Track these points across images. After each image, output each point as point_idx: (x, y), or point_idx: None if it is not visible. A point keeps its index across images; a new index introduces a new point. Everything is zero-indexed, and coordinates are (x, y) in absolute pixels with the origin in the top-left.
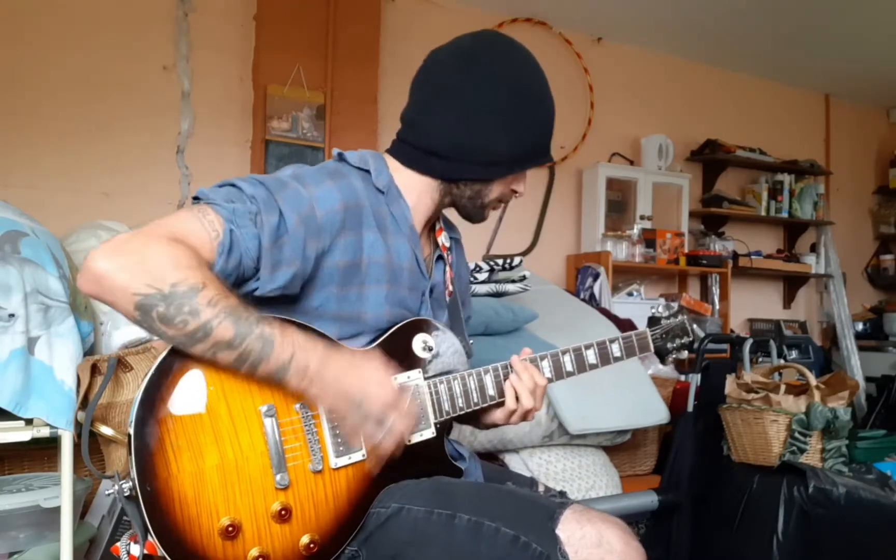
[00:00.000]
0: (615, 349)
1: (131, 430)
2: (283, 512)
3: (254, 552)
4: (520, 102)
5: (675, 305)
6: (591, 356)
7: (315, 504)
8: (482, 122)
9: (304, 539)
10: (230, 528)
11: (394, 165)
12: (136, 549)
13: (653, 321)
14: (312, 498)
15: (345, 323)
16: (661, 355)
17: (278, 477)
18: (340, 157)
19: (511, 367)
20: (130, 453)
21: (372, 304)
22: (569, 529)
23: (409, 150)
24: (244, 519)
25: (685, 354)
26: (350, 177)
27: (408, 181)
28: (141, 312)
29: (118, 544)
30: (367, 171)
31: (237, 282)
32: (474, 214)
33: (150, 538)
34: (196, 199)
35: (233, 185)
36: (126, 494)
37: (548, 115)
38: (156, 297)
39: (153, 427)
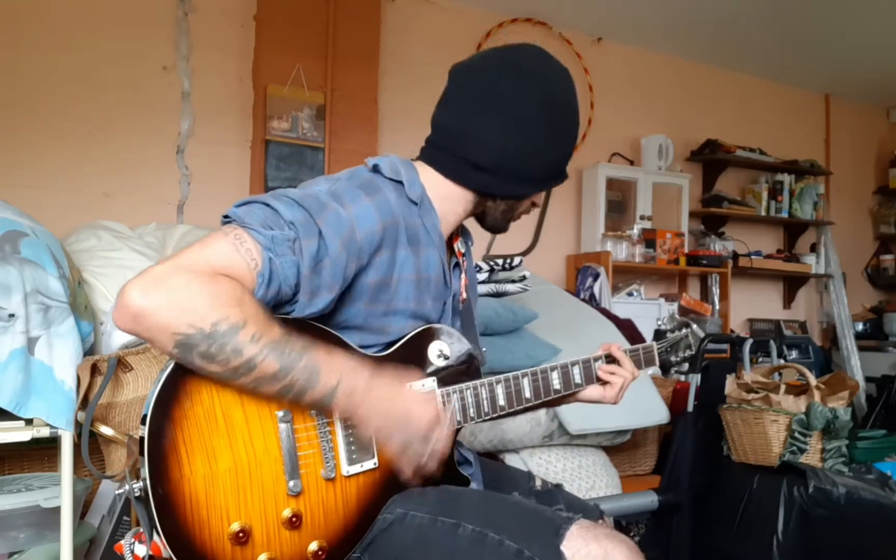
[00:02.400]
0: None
1: (145, 430)
2: (293, 518)
3: (262, 558)
4: (566, 118)
5: (678, 317)
6: (597, 369)
7: (325, 511)
8: (533, 139)
9: (313, 546)
10: (241, 534)
11: (425, 173)
12: (140, 549)
13: (658, 334)
14: (323, 505)
15: (367, 333)
16: (666, 369)
17: (291, 483)
18: (374, 169)
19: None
20: (143, 453)
21: (397, 319)
22: (574, 546)
23: (449, 160)
24: (255, 524)
25: (685, 367)
26: (385, 190)
27: (440, 191)
28: (181, 350)
29: (122, 543)
30: (400, 183)
31: (275, 306)
32: (501, 227)
33: (157, 539)
34: (226, 218)
35: (267, 205)
36: (136, 495)
37: (578, 129)
38: (197, 337)
39: (167, 427)
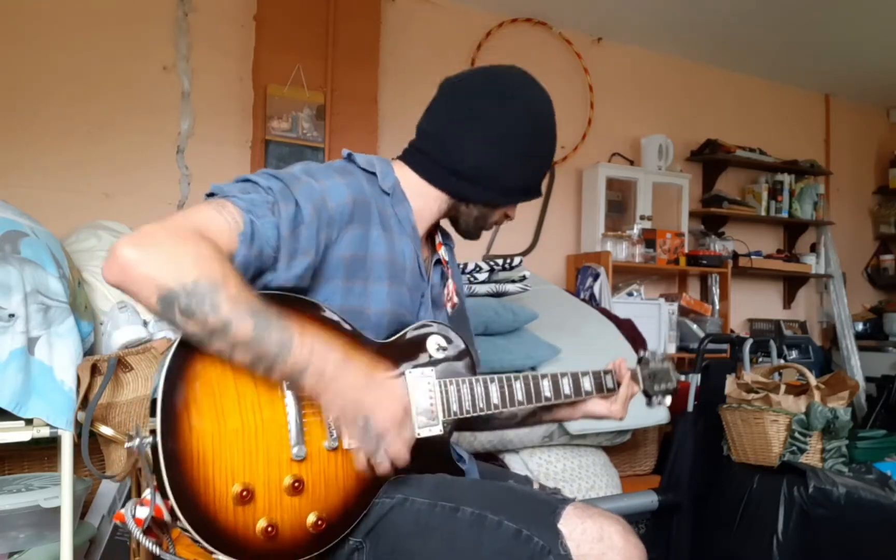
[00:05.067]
0: (608, 381)
1: (161, 384)
2: (296, 484)
3: (262, 522)
4: (542, 137)
5: (659, 353)
6: (586, 383)
7: (326, 481)
8: (509, 154)
9: (312, 517)
10: (244, 493)
11: (402, 172)
12: (141, 512)
13: (642, 361)
14: (324, 475)
15: (347, 316)
16: (647, 396)
17: (295, 449)
18: (349, 158)
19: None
20: (156, 409)
21: (375, 300)
22: (570, 524)
23: (429, 164)
24: (258, 486)
25: (668, 401)
26: (357, 175)
27: (415, 187)
28: (163, 304)
29: (122, 511)
30: (374, 174)
31: (256, 272)
32: (473, 233)
33: (158, 501)
34: (211, 194)
35: (247, 180)
36: (146, 450)
37: (554, 148)
38: (179, 292)
39: (181, 383)
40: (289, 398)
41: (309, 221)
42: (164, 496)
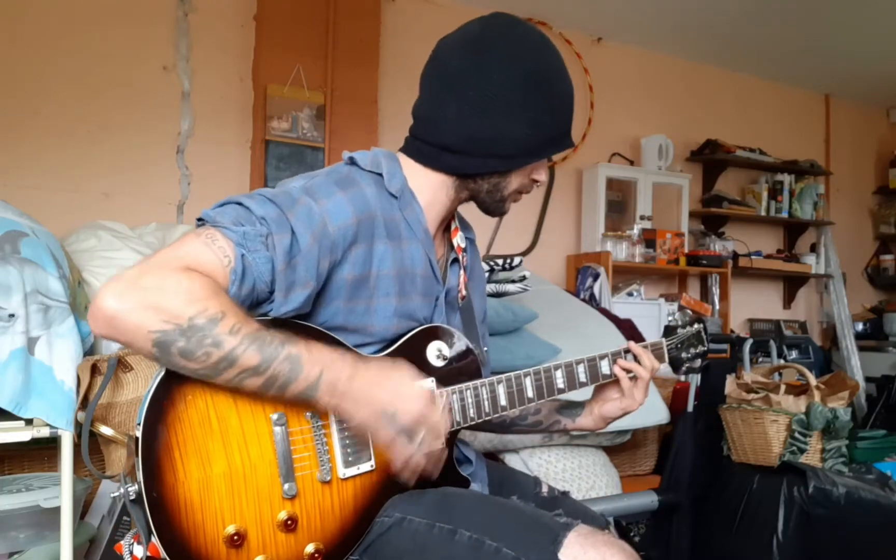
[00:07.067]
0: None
1: (139, 433)
2: (289, 521)
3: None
4: (535, 87)
5: (690, 313)
6: (604, 366)
7: (321, 513)
8: (496, 112)
9: (309, 548)
10: (235, 537)
11: (407, 165)
12: (139, 551)
13: (668, 330)
14: (319, 507)
15: (350, 334)
16: (676, 366)
17: (286, 486)
18: (352, 161)
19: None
20: (137, 457)
21: (380, 317)
22: (571, 554)
23: (422, 147)
24: (250, 527)
25: (698, 364)
26: (361, 184)
27: (422, 181)
28: (160, 349)
29: (122, 543)
30: (380, 175)
31: (251, 306)
32: (494, 208)
33: (154, 541)
34: (200, 221)
35: (239, 204)
36: (132, 498)
37: (565, 98)
38: (174, 333)
39: (162, 431)
40: (277, 434)
41: (307, 251)
42: (155, 540)
